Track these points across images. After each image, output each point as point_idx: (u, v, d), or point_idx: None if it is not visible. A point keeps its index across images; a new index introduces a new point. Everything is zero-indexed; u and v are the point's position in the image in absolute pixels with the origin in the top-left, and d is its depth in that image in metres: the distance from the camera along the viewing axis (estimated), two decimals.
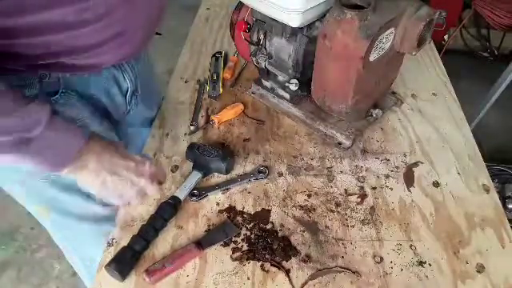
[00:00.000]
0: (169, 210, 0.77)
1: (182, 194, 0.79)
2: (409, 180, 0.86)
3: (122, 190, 0.70)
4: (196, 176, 0.83)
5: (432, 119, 0.99)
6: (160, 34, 0.74)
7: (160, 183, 0.76)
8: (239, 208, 0.80)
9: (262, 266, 0.71)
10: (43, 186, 0.81)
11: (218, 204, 0.81)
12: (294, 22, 0.79)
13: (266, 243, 0.74)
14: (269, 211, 0.80)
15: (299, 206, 0.81)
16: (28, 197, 0.84)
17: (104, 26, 0.64)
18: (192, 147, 0.87)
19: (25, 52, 0.61)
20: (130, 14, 0.67)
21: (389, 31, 0.77)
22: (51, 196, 0.83)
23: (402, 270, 0.71)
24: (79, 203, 0.87)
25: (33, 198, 0.84)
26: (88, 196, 0.87)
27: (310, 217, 0.79)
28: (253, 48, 0.95)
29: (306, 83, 0.92)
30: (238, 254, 0.73)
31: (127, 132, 0.96)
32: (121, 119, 0.88)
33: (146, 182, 0.71)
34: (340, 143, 0.92)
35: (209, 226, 0.77)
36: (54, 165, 0.63)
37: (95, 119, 0.78)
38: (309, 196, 0.82)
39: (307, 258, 0.72)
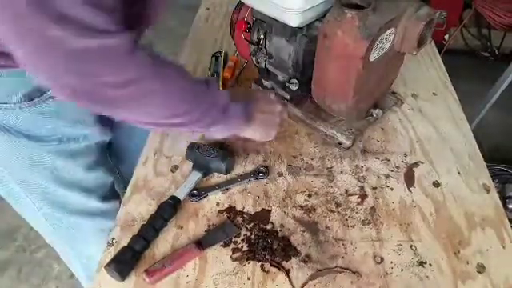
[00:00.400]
0: (169, 209, 0.76)
1: (181, 194, 0.79)
2: (409, 180, 0.86)
3: (275, 120, 0.82)
4: (196, 176, 0.83)
5: (432, 119, 0.99)
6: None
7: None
8: (239, 208, 0.80)
9: (261, 266, 0.71)
10: (43, 182, 0.81)
11: (218, 204, 0.81)
12: (294, 21, 0.79)
13: (265, 243, 0.74)
14: (269, 211, 0.79)
15: (299, 206, 0.81)
16: (27, 194, 0.84)
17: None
18: (192, 147, 0.87)
19: None
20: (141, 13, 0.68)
21: (389, 31, 0.76)
22: (51, 192, 0.84)
23: (402, 270, 0.71)
24: (78, 199, 0.88)
25: (32, 195, 0.84)
26: (88, 192, 0.88)
27: (310, 217, 0.79)
28: (253, 48, 0.95)
29: (306, 83, 0.92)
30: (237, 254, 0.73)
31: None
32: None
33: (281, 106, 0.84)
34: (340, 143, 0.92)
35: (209, 226, 0.77)
36: (239, 125, 0.76)
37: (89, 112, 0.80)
38: (309, 196, 0.82)
39: (307, 259, 0.72)
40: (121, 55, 0.53)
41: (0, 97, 0.68)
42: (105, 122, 0.85)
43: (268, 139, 0.85)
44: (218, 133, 0.75)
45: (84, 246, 0.98)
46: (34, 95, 0.70)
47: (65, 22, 0.47)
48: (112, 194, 0.99)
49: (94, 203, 0.91)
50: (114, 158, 1.04)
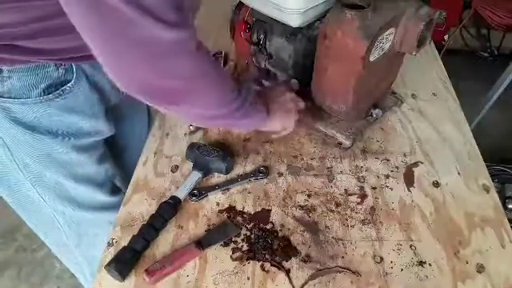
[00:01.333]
0: (169, 209, 0.77)
1: (181, 194, 0.80)
2: (409, 180, 0.86)
3: (289, 107, 0.84)
4: (196, 176, 0.83)
5: (432, 119, 0.99)
6: None
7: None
8: (239, 208, 0.80)
9: (261, 266, 0.71)
10: (56, 177, 0.82)
11: (218, 204, 0.81)
12: (294, 21, 0.79)
13: (265, 243, 0.74)
14: (269, 211, 0.80)
15: (299, 206, 0.81)
16: (38, 190, 0.84)
17: None
18: (192, 147, 0.88)
19: (57, 47, 0.67)
20: None
21: (389, 31, 0.77)
22: (63, 187, 0.84)
23: (402, 270, 0.71)
24: (90, 193, 0.89)
25: (43, 190, 0.84)
26: (99, 185, 0.89)
27: (310, 217, 0.79)
28: (253, 48, 0.95)
29: (306, 83, 0.92)
30: (237, 253, 0.73)
31: (122, 115, 1.00)
32: (116, 103, 0.91)
33: (290, 93, 0.86)
34: (340, 143, 0.92)
35: (209, 226, 0.77)
36: (264, 119, 0.79)
37: (101, 107, 0.82)
38: (309, 196, 0.82)
39: (307, 258, 0.72)
40: (191, 49, 0.56)
41: (21, 92, 0.69)
42: (110, 116, 0.86)
43: (290, 128, 0.86)
44: (244, 127, 0.80)
45: (92, 240, 0.98)
46: (53, 89, 0.72)
47: (143, 13, 0.48)
48: (118, 188, 1.00)
49: (103, 197, 0.92)
50: (113, 154, 1.04)
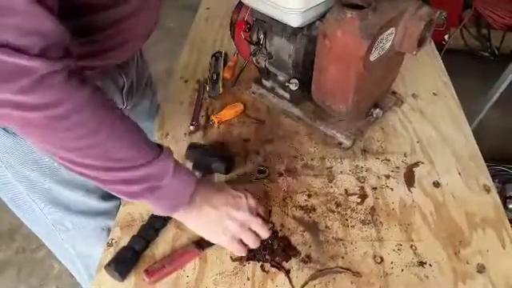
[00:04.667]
0: None
1: None
2: (409, 180, 0.86)
3: (230, 226, 0.68)
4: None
5: (432, 119, 0.99)
6: None
7: (262, 218, 0.73)
8: None
9: (262, 266, 0.71)
10: (45, 182, 0.81)
11: None
12: (294, 21, 0.79)
13: (266, 243, 0.73)
14: (269, 211, 0.79)
15: (299, 206, 0.80)
16: (29, 194, 0.84)
17: (115, 32, 0.68)
18: (192, 147, 0.87)
19: None
20: (135, 24, 0.71)
21: (389, 31, 0.76)
22: (52, 192, 0.84)
23: (402, 270, 0.71)
24: (80, 198, 0.88)
25: (34, 194, 0.84)
26: (89, 191, 0.89)
27: (310, 217, 0.79)
28: (253, 48, 0.95)
29: (306, 83, 0.92)
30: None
31: None
32: None
33: (250, 218, 0.70)
34: (340, 143, 0.92)
35: None
36: (171, 208, 0.66)
37: None
38: (309, 196, 0.82)
39: (307, 259, 0.72)
40: (34, 79, 0.48)
41: None
42: None
43: (215, 242, 0.71)
44: (152, 207, 0.67)
45: (85, 246, 0.98)
46: None
47: None
48: (111, 194, 0.99)
49: (95, 203, 0.91)
50: None
